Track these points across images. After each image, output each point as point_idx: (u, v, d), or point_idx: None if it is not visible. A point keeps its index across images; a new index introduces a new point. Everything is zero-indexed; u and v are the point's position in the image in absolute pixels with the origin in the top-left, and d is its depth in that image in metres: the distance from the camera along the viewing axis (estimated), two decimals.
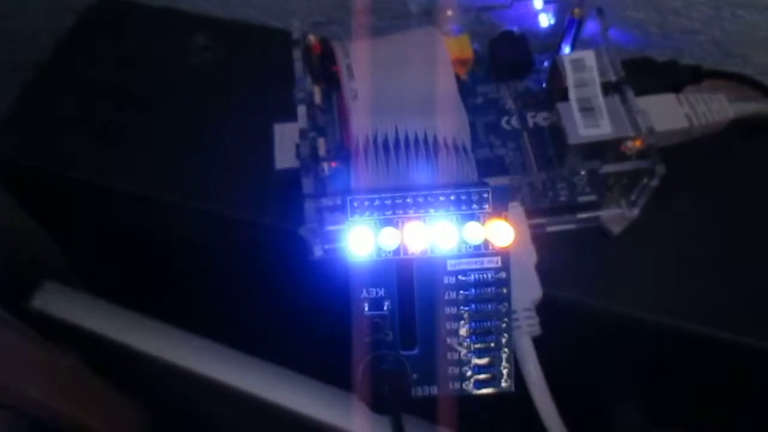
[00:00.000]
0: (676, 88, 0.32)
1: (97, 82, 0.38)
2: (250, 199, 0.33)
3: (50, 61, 0.40)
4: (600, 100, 0.29)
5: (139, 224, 0.38)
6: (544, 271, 0.27)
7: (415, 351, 0.25)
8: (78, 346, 0.49)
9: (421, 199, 0.24)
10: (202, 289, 0.44)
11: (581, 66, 0.30)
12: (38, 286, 0.46)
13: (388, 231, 0.24)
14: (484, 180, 0.26)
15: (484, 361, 0.25)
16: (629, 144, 0.27)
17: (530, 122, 0.32)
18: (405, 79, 0.29)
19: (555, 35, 0.33)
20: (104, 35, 0.41)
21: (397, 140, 0.26)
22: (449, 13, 0.32)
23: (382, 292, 0.25)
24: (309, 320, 0.39)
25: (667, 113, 0.31)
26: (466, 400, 0.26)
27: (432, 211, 0.24)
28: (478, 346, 0.25)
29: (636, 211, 0.30)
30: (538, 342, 0.26)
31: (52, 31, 0.50)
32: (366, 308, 0.25)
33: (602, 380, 0.38)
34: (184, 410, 0.58)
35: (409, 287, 0.25)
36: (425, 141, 0.26)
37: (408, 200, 0.24)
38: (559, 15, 0.33)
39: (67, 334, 0.46)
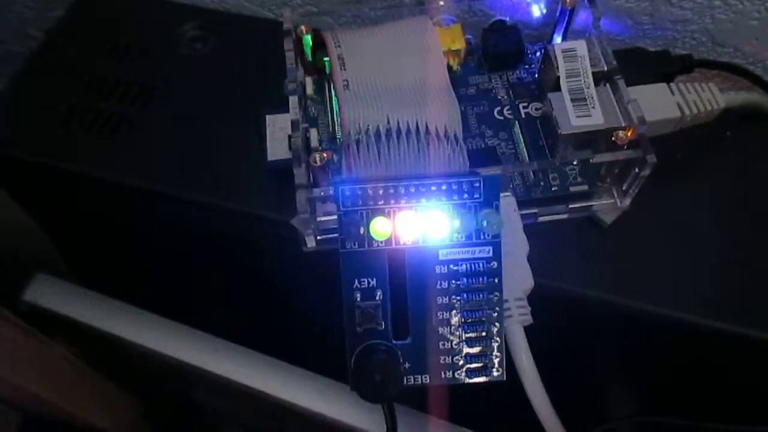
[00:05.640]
0: (667, 77, 0.32)
1: (86, 72, 0.38)
2: (242, 190, 0.33)
3: (40, 52, 0.40)
4: (591, 90, 0.29)
5: (130, 215, 0.38)
6: (536, 261, 0.27)
7: (407, 340, 0.25)
8: (70, 338, 0.49)
9: (412, 189, 0.24)
10: (194, 280, 0.44)
11: (573, 56, 0.30)
12: (30, 278, 0.46)
13: (380, 221, 0.24)
14: (475, 170, 0.26)
15: (475, 350, 0.25)
16: (620, 134, 0.27)
17: (522, 112, 0.32)
18: (396, 69, 0.29)
19: (547, 25, 0.33)
20: (93, 25, 0.40)
21: (388, 130, 0.26)
22: (441, 3, 0.32)
23: (374, 282, 0.25)
24: (301, 311, 0.39)
25: (658, 103, 0.31)
26: (457, 389, 0.26)
27: (423, 200, 0.24)
28: (469, 335, 0.25)
29: (627, 201, 0.30)
30: (529, 331, 0.26)
31: (41, 21, 0.50)
32: (358, 298, 0.25)
33: (593, 369, 0.38)
34: (175, 401, 0.58)
35: (401, 277, 0.25)
36: (417, 131, 0.26)
37: (399, 190, 0.24)
38: (550, 5, 0.33)
39: (59, 326, 0.46)
